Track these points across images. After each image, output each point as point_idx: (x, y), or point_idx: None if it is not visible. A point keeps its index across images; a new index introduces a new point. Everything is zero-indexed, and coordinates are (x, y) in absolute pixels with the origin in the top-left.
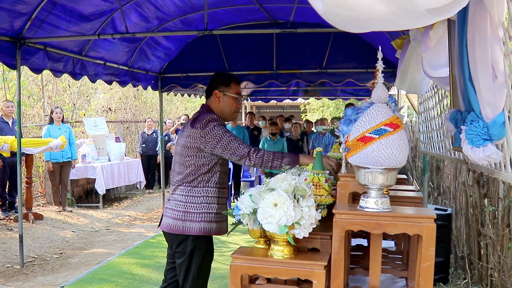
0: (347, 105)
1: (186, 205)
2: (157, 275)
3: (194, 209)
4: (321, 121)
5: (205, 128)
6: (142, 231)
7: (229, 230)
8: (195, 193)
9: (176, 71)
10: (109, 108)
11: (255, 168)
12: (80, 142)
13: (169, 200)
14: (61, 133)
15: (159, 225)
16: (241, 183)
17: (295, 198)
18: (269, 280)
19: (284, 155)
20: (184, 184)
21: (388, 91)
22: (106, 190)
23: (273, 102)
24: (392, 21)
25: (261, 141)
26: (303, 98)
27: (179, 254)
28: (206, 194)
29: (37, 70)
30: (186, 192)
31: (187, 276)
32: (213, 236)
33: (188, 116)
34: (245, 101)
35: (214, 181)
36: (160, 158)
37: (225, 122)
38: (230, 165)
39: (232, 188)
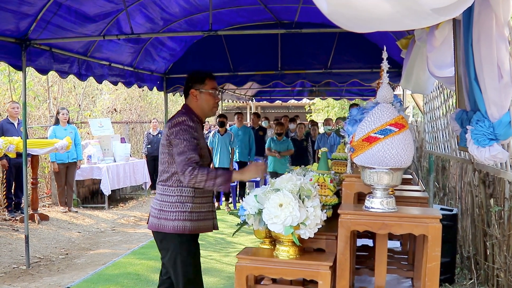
0: (351, 106)
1: (161, 204)
2: None
3: (168, 207)
4: (326, 121)
5: (172, 128)
6: (148, 232)
7: (227, 230)
8: (170, 192)
9: (181, 71)
10: (115, 109)
11: None
12: (85, 143)
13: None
14: (66, 134)
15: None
16: (246, 183)
17: (300, 198)
18: (274, 281)
19: (218, 175)
20: (160, 183)
21: (393, 91)
22: (111, 190)
23: (278, 102)
24: (397, 20)
25: (267, 141)
26: (308, 99)
27: (163, 251)
28: (180, 193)
29: (43, 71)
30: (162, 191)
31: (176, 273)
32: (208, 232)
33: None
34: (250, 101)
35: None
36: None
37: (207, 119)
38: (235, 165)
39: (237, 188)
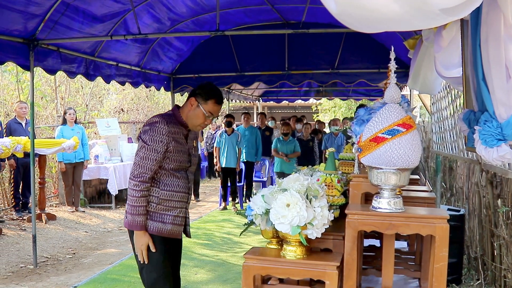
0: (358, 107)
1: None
2: None
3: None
4: (333, 121)
5: (144, 126)
6: None
7: (234, 230)
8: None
9: (188, 71)
10: (122, 109)
11: (267, 169)
12: (92, 143)
13: None
14: (74, 134)
15: None
16: (253, 183)
17: (307, 198)
18: (281, 281)
19: (139, 213)
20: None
21: (401, 91)
22: (118, 190)
23: (285, 102)
24: (406, 21)
25: (274, 141)
26: (314, 99)
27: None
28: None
29: (51, 71)
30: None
31: (141, 270)
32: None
33: None
34: (256, 101)
35: (155, 181)
36: None
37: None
38: (242, 166)
39: (244, 188)
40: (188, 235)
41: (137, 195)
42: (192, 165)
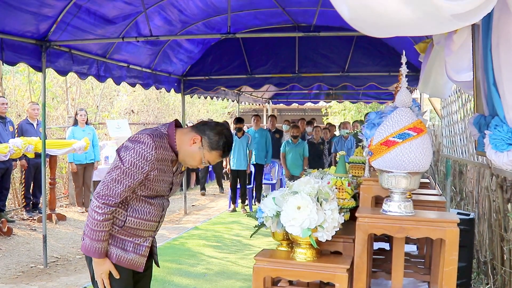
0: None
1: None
2: (178, 277)
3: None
4: (343, 124)
5: (127, 142)
6: (164, 233)
7: (243, 232)
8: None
9: (199, 73)
10: (132, 110)
11: (276, 171)
12: (103, 144)
13: None
14: (85, 135)
15: None
16: (263, 186)
17: (318, 201)
18: (291, 283)
19: (100, 238)
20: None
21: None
22: None
23: (294, 105)
24: (418, 26)
25: (283, 144)
26: (324, 101)
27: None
28: (114, 214)
29: (62, 72)
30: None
31: None
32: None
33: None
34: (266, 104)
35: (125, 203)
36: None
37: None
38: (252, 168)
39: (253, 191)
40: (156, 263)
41: (99, 218)
42: (172, 193)
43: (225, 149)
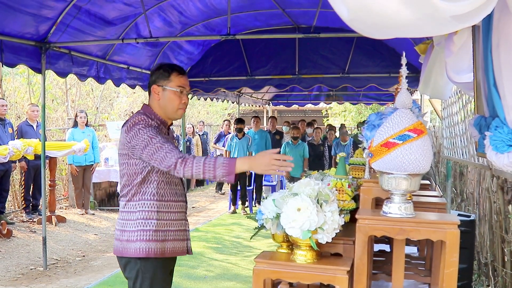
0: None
1: (123, 223)
2: (178, 279)
3: (130, 226)
4: (342, 127)
5: (129, 132)
6: None
7: (243, 234)
8: (130, 207)
9: (199, 75)
10: (132, 112)
11: None
12: (102, 146)
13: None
14: (84, 137)
15: None
16: (263, 187)
17: (318, 203)
18: (291, 285)
19: (217, 165)
20: (121, 198)
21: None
22: None
23: (295, 106)
24: (418, 27)
25: (283, 145)
26: (325, 103)
27: (128, 279)
28: (142, 208)
29: (62, 74)
30: (123, 207)
31: None
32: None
33: (203, 122)
34: (266, 105)
35: (150, 193)
36: None
37: (172, 120)
38: None
39: (254, 193)
40: (190, 251)
41: (198, 170)
42: None
43: (174, 67)
